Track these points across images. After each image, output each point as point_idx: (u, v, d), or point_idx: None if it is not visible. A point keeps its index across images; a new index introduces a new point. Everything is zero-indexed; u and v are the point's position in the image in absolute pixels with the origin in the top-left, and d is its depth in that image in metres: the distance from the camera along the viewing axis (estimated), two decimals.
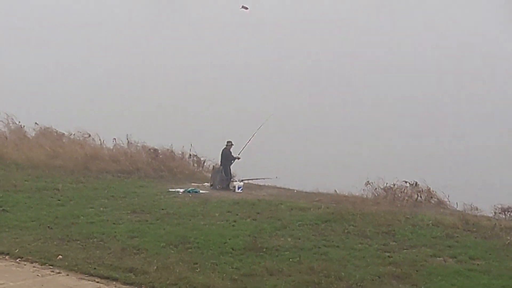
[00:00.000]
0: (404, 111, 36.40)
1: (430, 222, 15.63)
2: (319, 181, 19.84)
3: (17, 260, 12.65)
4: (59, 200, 17.06)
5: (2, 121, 24.98)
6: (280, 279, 11.59)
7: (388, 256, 12.93)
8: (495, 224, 15.40)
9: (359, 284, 11.44)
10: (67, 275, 11.97)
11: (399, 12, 58.20)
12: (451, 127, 32.05)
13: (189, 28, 56.98)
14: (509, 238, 13.73)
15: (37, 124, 24.60)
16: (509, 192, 19.19)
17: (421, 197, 18.23)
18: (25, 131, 24.17)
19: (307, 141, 30.50)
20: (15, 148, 22.24)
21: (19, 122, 24.74)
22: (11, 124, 24.52)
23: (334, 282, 11.44)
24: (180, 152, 21.84)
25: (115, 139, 22.59)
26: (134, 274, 11.52)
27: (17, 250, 13.00)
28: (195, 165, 21.53)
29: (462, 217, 15.63)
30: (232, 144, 18.83)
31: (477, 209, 17.58)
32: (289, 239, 14.02)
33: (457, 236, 14.65)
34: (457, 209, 17.63)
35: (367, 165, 24.00)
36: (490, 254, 13.40)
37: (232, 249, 13.12)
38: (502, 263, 11.95)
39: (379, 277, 11.69)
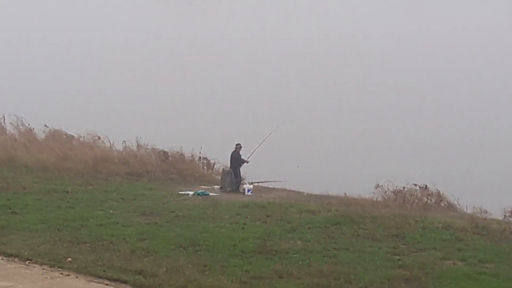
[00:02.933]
0: (407, 113, 36.30)
1: (440, 225, 15.53)
2: (329, 183, 19.60)
3: (26, 262, 12.65)
4: (68, 203, 17.03)
5: (12, 123, 24.85)
6: (290, 281, 11.55)
7: (398, 259, 12.90)
8: (505, 227, 15.41)
9: (368, 286, 11.43)
10: (76, 277, 11.97)
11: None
12: (462, 124, 31.39)
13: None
14: None
15: (47, 126, 24.14)
16: None
17: (431, 200, 18.11)
18: (35, 133, 23.90)
19: (317, 144, 30.58)
20: (24, 150, 21.98)
21: (29, 124, 24.42)
22: (20, 126, 24.25)
23: (343, 285, 11.43)
24: (190, 155, 21.34)
25: (124, 141, 22.23)
26: (143, 276, 11.52)
27: (26, 252, 12.98)
28: (205, 167, 21.15)
29: (471, 220, 15.65)
30: (241, 147, 18.66)
31: (486, 212, 17.42)
32: (299, 242, 13.96)
33: (467, 239, 14.63)
34: (467, 212, 17.55)
35: (377, 167, 23.97)
36: (499, 257, 13.32)
37: (242, 252, 13.09)
38: None
39: (389, 280, 11.68)
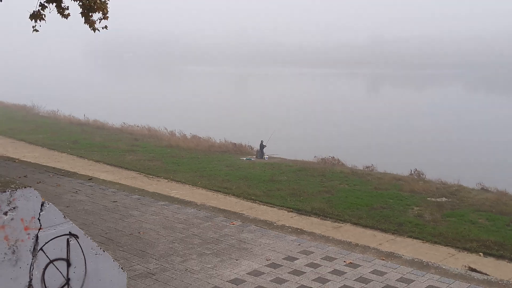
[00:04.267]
0: None
1: (340, 170, 23.88)
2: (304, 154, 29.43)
3: (183, 184, 20.60)
4: (199, 163, 25.55)
5: (178, 132, 36.47)
6: (281, 191, 19.33)
7: (322, 184, 21.39)
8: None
9: (310, 195, 19.22)
10: (201, 189, 19.76)
11: None
12: None
13: None
14: None
15: (190, 133, 35.38)
16: None
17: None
18: (185, 134, 35.13)
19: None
20: (182, 142, 31.88)
21: (180, 130, 36.06)
22: (178, 133, 36.08)
23: (302, 193, 19.40)
24: (243, 144, 31.78)
25: (222, 139, 32.76)
26: (226, 189, 19.30)
27: (183, 180, 21.21)
28: (249, 149, 31.14)
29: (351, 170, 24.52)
30: (262, 141, 28.88)
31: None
32: (285, 177, 22.05)
33: (348, 177, 22.49)
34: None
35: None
36: (359, 183, 21.11)
37: (263, 180, 21.21)
38: None
39: (318, 192, 20.38)
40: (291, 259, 10.74)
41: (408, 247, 13.70)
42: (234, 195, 18.88)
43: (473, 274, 10.52)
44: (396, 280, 10.09)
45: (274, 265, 10.40)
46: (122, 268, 8.08)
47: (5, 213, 6.48)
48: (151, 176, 21.77)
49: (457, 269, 10.79)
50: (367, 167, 25.38)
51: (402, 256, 11.21)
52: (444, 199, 19.07)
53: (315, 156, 27.60)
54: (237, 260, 10.60)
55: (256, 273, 9.97)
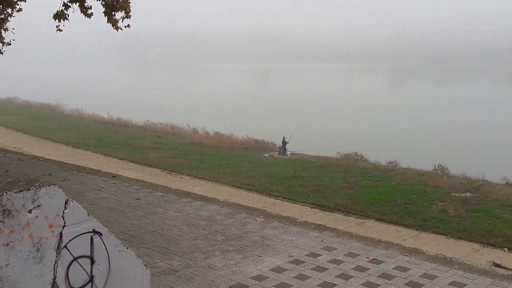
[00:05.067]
0: None
1: (363, 166, 23.95)
2: (324, 150, 29.89)
3: (205, 180, 21.02)
4: (221, 159, 25.98)
5: (200, 130, 36.76)
6: (304, 187, 19.69)
7: (345, 180, 21.45)
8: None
9: (333, 190, 20.02)
10: (224, 185, 20.19)
11: None
12: None
13: None
14: None
15: (213, 130, 35.62)
16: None
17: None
18: (207, 132, 35.60)
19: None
20: (205, 139, 32.46)
21: (203, 127, 36.77)
22: (200, 130, 36.51)
23: (324, 189, 19.84)
24: (265, 140, 32.20)
25: (244, 135, 33.51)
26: (249, 185, 19.94)
27: (206, 176, 21.54)
28: (271, 145, 31.62)
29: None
30: (284, 138, 29.32)
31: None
32: (308, 173, 22.35)
33: (371, 173, 22.54)
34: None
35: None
36: (382, 178, 21.46)
37: (286, 177, 21.56)
38: None
39: (341, 187, 20.71)
40: (314, 255, 10.75)
41: (431, 242, 13.65)
42: (256, 191, 19.03)
43: (498, 269, 10.59)
44: (420, 276, 10.01)
45: (297, 262, 10.37)
46: (145, 265, 8.14)
47: (30, 211, 6.56)
48: (174, 173, 21.95)
49: (481, 264, 10.73)
50: (390, 163, 25.46)
51: (426, 252, 11.14)
52: (468, 194, 19.04)
53: (337, 152, 27.81)
54: (259, 256, 10.62)
55: (279, 270, 9.95)
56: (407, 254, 11.25)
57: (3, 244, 6.44)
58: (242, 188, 19.68)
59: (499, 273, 10.33)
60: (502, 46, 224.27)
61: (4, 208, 6.38)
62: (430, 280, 9.85)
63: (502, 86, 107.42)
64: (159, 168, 22.97)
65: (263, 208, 15.07)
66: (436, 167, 23.84)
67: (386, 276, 10.06)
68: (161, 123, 39.05)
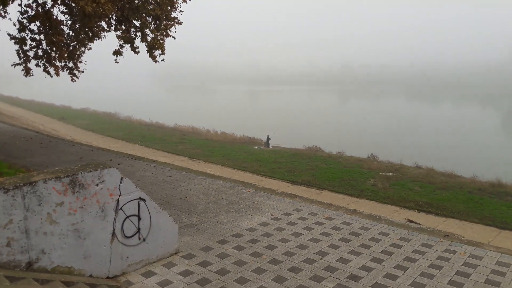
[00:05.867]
0: None
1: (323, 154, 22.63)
2: (301, 142, 27.93)
3: (216, 165, 19.90)
4: (226, 150, 23.96)
5: (212, 130, 33.12)
6: (281, 169, 18.86)
7: (309, 163, 20.58)
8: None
9: (301, 171, 19.13)
10: (229, 167, 19.20)
11: None
12: None
13: None
14: None
15: (220, 130, 32.74)
16: None
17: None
18: (217, 131, 32.60)
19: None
20: (215, 137, 30.26)
21: (213, 128, 33.63)
22: (211, 130, 33.07)
23: (305, 171, 18.81)
24: (256, 137, 29.62)
25: (241, 134, 30.62)
26: (245, 168, 18.56)
27: (216, 162, 20.43)
28: (259, 141, 28.76)
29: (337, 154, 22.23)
30: (268, 135, 27.36)
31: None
32: (284, 160, 21.07)
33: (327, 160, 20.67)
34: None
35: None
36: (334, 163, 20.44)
37: (269, 162, 20.40)
38: None
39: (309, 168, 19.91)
40: (288, 214, 10.53)
41: (366, 206, 13.50)
42: (249, 171, 18.30)
43: (411, 224, 10.52)
44: (359, 228, 9.95)
45: (276, 219, 10.18)
46: (174, 221, 8.19)
47: (97, 185, 6.58)
48: (194, 159, 21.01)
49: (400, 220, 10.72)
50: (339, 152, 24.77)
51: (362, 212, 11.02)
52: (391, 173, 18.79)
53: (304, 145, 26.60)
54: (251, 215, 10.38)
55: (264, 224, 9.79)
56: (350, 214, 11.11)
57: (80, 207, 6.52)
58: (240, 169, 18.83)
59: (412, 226, 10.31)
60: (421, 73, 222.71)
61: (80, 182, 6.40)
62: (365, 231, 9.79)
63: (414, 101, 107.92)
64: (184, 156, 21.99)
65: (253, 183, 14.50)
66: (369, 155, 23.33)
67: (336, 228, 9.96)
68: (185, 126, 37.88)
